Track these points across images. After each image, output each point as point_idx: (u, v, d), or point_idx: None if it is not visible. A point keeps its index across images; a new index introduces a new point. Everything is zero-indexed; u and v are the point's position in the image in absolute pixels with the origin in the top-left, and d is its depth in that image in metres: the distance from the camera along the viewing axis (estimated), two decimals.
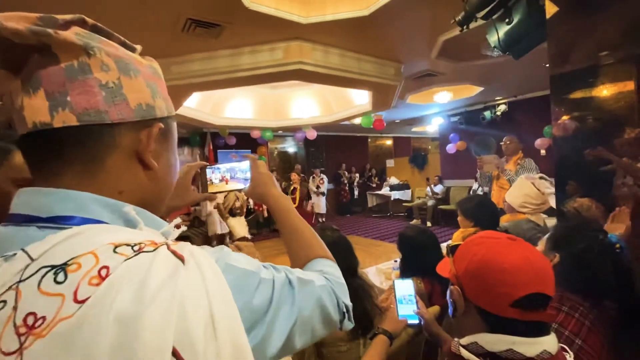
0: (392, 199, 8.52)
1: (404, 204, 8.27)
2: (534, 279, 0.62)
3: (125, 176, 0.40)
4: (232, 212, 4.77)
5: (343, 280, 0.54)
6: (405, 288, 1.03)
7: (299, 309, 0.42)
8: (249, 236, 4.87)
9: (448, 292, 0.73)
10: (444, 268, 0.78)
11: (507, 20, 1.86)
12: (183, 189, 0.73)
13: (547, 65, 1.57)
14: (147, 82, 0.41)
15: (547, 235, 1.08)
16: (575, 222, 1.26)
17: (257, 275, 0.40)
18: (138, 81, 0.39)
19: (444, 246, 2.07)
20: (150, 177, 0.42)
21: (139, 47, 0.45)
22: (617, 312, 0.93)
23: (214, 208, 4.71)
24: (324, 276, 0.51)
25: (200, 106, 5.32)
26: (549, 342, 0.62)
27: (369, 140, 10.86)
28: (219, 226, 5.89)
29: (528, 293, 0.60)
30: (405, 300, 0.99)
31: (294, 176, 6.00)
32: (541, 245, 1.08)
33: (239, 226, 4.79)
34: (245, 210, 5.13)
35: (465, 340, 0.67)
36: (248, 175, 0.73)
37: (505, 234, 0.73)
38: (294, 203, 5.76)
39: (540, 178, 2.13)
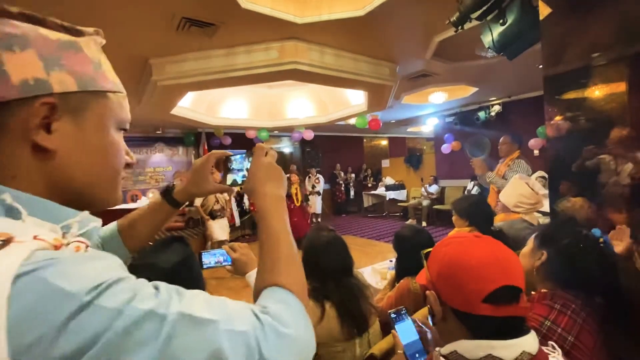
0: (387, 199, 8.55)
1: (399, 203, 8.30)
2: (501, 272, 0.63)
3: (17, 159, 0.36)
4: (212, 214, 4.64)
5: (292, 330, 0.37)
6: (408, 332, 0.91)
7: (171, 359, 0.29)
8: (227, 239, 4.71)
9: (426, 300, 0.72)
10: (422, 276, 0.77)
11: (501, 21, 1.87)
12: (201, 177, 0.70)
13: (541, 66, 1.58)
14: (42, 55, 0.37)
15: (534, 234, 1.10)
16: (561, 219, 1.28)
17: (76, 299, 0.27)
18: (26, 55, 0.36)
19: None
20: (50, 159, 0.38)
21: (89, 29, 0.43)
22: (606, 307, 0.94)
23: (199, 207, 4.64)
24: (259, 316, 0.36)
25: (195, 106, 5.29)
26: (528, 343, 0.62)
27: (365, 140, 10.89)
28: None
29: (497, 287, 0.61)
30: (413, 353, 0.86)
31: (294, 177, 5.83)
32: (529, 244, 1.09)
33: (218, 229, 4.65)
34: (228, 211, 4.95)
35: (445, 350, 0.67)
36: (243, 166, 0.68)
37: (471, 232, 0.73)
38: (296, 203, 5.56)
39: (542, 177, 2.14)
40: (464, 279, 0.64)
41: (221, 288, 3.79)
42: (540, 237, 1.05)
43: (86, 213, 0.41)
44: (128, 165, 0.49)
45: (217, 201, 4.70)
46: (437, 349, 0.69)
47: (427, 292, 0.71)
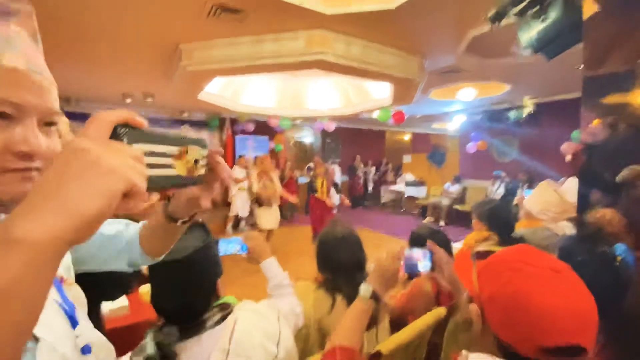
0: (406, 195, 8.44)
1: (418, 201, 8.17)
2: (574, 328, 0.52)
3: None
4: (258, 200, 4.69)
5: None
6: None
7: None
8: (274, 228, 4.74)
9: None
10: (464, 270, 0.72)
11: (542, 18, 1.77)
12: None
13: (581, 67, 1.49)
14: None
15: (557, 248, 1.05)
16: (582, 233, 1.21)
17: None
18: None
19: (456, 246, 2.04)
20: None
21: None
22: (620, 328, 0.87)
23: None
24: None
25: (221, 91, 5.37)
26: None
27: (387, 134, 10.72)
28: (240, 210, 6.14)
29: (564, 344, 0.51)
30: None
31: (320, 168, 5.30)
32: None
33: (264, 217, 4.67)
34: (276, 201, 4.82)
35: (474, 358, 0.61)
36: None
37: (549, 264, 0.60)
38: (319, 197, 5.12)
39: None
40: (526, 322, 0.54)
41: (236, 269, 3.88)
42: (559, 252, 1.01)
43: None
44: (26, 155, 0.39)
45: (265, 187, 4.65)
46: (464, 351, 0.63)
47: (471, 304, 0.65)
